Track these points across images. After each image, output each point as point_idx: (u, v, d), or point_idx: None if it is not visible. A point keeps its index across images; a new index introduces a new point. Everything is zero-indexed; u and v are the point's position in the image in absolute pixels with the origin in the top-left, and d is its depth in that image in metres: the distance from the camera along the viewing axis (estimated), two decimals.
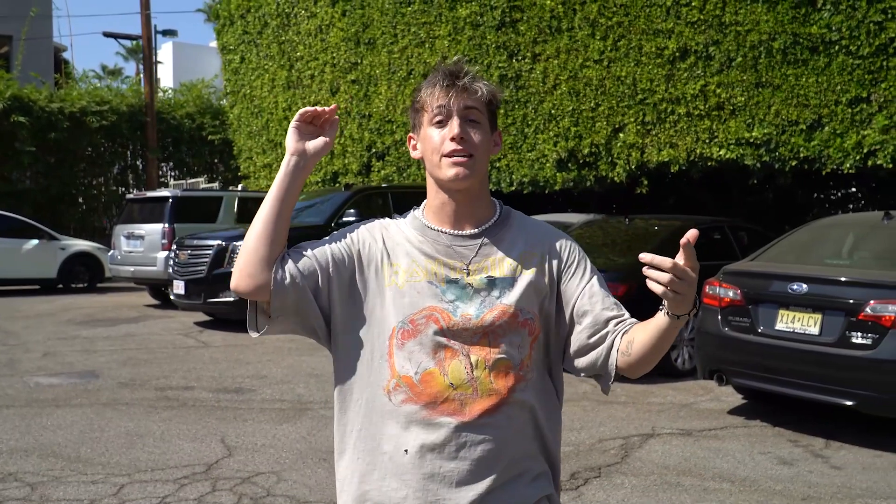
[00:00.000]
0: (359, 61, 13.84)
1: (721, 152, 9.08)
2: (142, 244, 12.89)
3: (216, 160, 23.19)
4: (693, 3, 9.02)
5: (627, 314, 1.67)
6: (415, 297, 1.62)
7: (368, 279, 1.65)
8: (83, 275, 15.26)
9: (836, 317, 5.34)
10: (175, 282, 10.62)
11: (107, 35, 21.77)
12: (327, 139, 1.63)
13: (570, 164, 10.82)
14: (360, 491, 1.64)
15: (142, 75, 23.14)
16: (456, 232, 1.66)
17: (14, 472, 4.56)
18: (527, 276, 1.65)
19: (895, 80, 7.60)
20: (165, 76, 65.67)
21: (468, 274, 1.63)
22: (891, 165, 7.74)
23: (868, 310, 5.17)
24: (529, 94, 11.09)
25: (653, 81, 9.60)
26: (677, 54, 9.30)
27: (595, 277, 1.70)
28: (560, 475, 1.74)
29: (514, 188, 11.67)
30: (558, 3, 10.45)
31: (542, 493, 1.66)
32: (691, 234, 1.43)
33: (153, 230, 12.73)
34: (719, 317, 6.01)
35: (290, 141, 1.62)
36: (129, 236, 13.16)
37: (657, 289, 1.44)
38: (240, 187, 16.74)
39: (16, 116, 18.72)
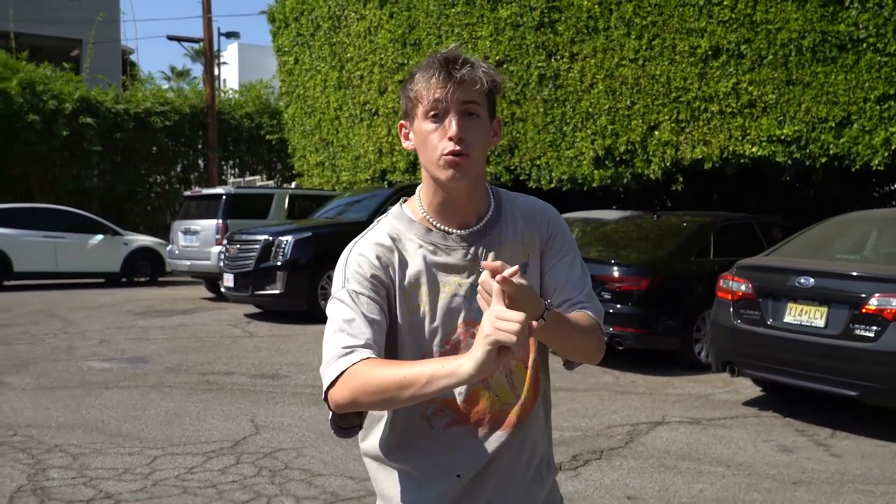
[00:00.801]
0: (405, 62, 14.21)
1: (753, 149, 9.15)
2: (197, 239, 13.49)
3: (274, 158, 23.89)
4: (725, 3, 9.11)
5: (583, 298, 1.61)
6: (445, 316, 1.57)
7: (397, 308, 1.57)
8: (145, 269, 15.98)
9: (841, 310, 5.46)
10: (225, 275, 11.15)
11: (170, 38, 22.65)
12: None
13: (607, 162, 10.98)
14: None
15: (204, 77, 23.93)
16: (462, 231, 1.60)
17: (60, 444, 5.03)
18: (534, 258, 1.63)
19: None
20: (231, 76, 67.47)
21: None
22: None
23: (871, 303, 5.28)
24: (567, 93, 11.28)
25: (686, 80, 9.71)
26: (710, 53, 9.39)
27: (572, 253, 1.67)
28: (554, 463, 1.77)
29: (553, 185, 11.87)
30: (595, 3, 10.63)
31: (553, 476, 1.71)
32: (508, 271, 1.32)
33: (208, 226, 13.32)
34: (731, 310, 6.16)
35: (488, 358, 1.29)
36: (186, 231, 13.79)
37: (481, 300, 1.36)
38: (293, 185, 17.28)
39: (84, 117, 19.63)
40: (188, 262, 13.66)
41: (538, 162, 11.94)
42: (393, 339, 1.57)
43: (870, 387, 5.30)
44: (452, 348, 1.56)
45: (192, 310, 12.05)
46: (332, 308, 1.55)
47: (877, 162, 8.06)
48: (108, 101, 20.58)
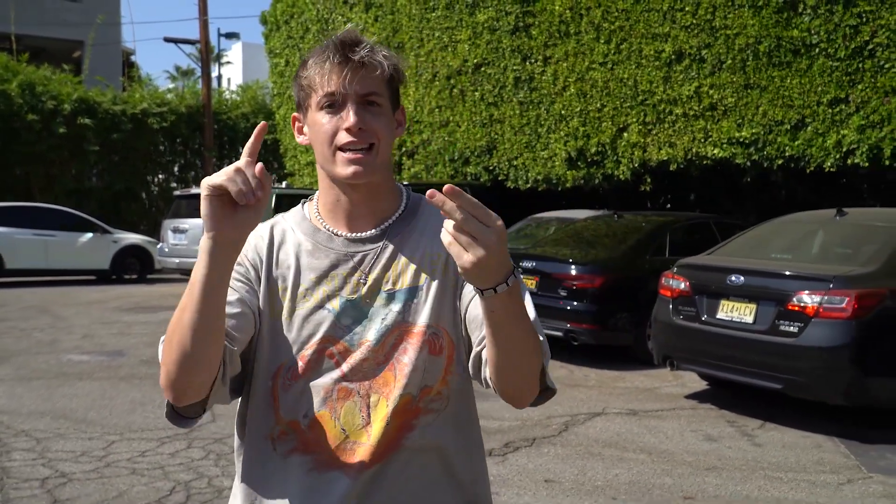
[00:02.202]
0: None
1: (715, 151, 9.43)
2: (186, 237, 13.86)
3: (270, 158, 24.24)
4: (686, 8, 9.39)
5: None
6: (304, 328, 1.37)
7: (262, 307, 1.40)
8: (134, 266, 16.31)
9: (768, 307, 5.75)
10: None
11: (167, 40, 23.00)
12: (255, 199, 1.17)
13: (579, 163, 11.28)
14: None
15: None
16: (353, 235, 1.40)
17: (27, 430, 5.37)
18: (433, 282, 1.39)
19: (871, 82, 7.87)
20: (235, 75, 67.92)
21: (366, 288, 1.38)
22: (867, 164, 8.01)
23: (795, 300, 5.57)
24: (542, 95, 11.58)
25: (652, 83, 10.00)
26: (673, 57, 9.68)
27: None
28: None
29: (529, 185, 12.17)
30: (566, 8, 10.92)
31: None
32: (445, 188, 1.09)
33: (196, 224, 13.66)
34: (671, 306, 6.46)
35: (208, 209, 1.18)
36: (175, 230, 14.15)
37: (445, 239, 1.12)
38: (283, 184, 17.61)
39: (82, 118, 20.01)
40: (177, 260, 14.02)
41: (515, 162, 12.24)
42: (256, 346, 1.40)
43: (793, 380, 5.58)
44: (305, 364, 1.36)
45: None
46: None
47: (829, 164, 8.34)
48: (106, 102, 20.95)
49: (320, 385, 1.36)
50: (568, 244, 8.60)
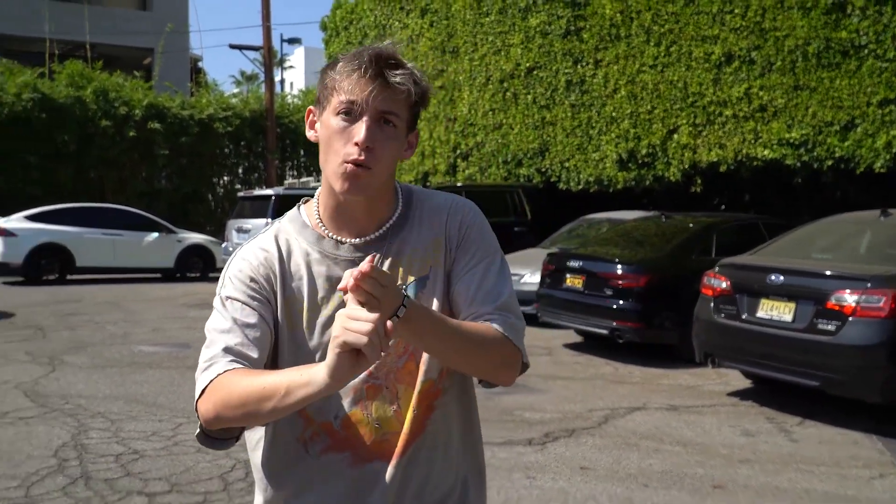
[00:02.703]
0: (444, 68, 14.85)
1: (765, 152, 9.49)
2: (249, 237, 14.37)
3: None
4: (736, 10, 9.48)
5: (491, 310, 1.42)
6: (325, 333, 1.41)
7: (280, 321, 1.45)
8: (197, 265, 16.81)
9: (807, 306, 5.86)
10: None
11: (232, 47, 23.77)
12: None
13: (630, 164, 11.42)
14: None
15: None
16: (358, 240, 1.45)
17: (102, 412, 5.83)
18: (437, 269, 1.47)
19: None
20: (297, 79, 69.30)
21: None
22: None
23: (833, 299, 5.68)
24: (593, 97, 11.75)
25: (702, 85, 10.09)
26: (723, 59, 9.77)
27: (486, 260, 1.47)
28: (484, 475, 1.62)
29: (581, 187, 12.35)
30: (617, 11, 11.08)
31: None
32: (363, 265, 1.16)
33: (258, 224, 14.21)
34: (712, 305, 6.60)
35: (340, 367, 1.19)
36: (239, 230, 14.73)
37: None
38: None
39: (152, 123, 20.86)
40: None
41: (567, 164, 12.43)
42: (275, 354, 1.45)
43: (830, 378, 5.69)
44: None
45: None
46: (210, 319, 1.45)
47: (879, 164, 8.35)
48: (175, 107, 21.77)
49: (349, 386, 1.40)
50: (615, 244, 8.78)
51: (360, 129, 1.33)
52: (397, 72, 1.34)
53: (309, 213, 1.49)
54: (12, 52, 26.64)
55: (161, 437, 5.25)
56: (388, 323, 1.18)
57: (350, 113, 1.35)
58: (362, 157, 1.33)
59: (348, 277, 1.16)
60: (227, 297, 1.43)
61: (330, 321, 1.40)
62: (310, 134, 1.46)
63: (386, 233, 1.46)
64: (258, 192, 15.51)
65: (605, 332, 8.05)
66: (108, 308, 11.94)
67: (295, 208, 1.52)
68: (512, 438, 5.40)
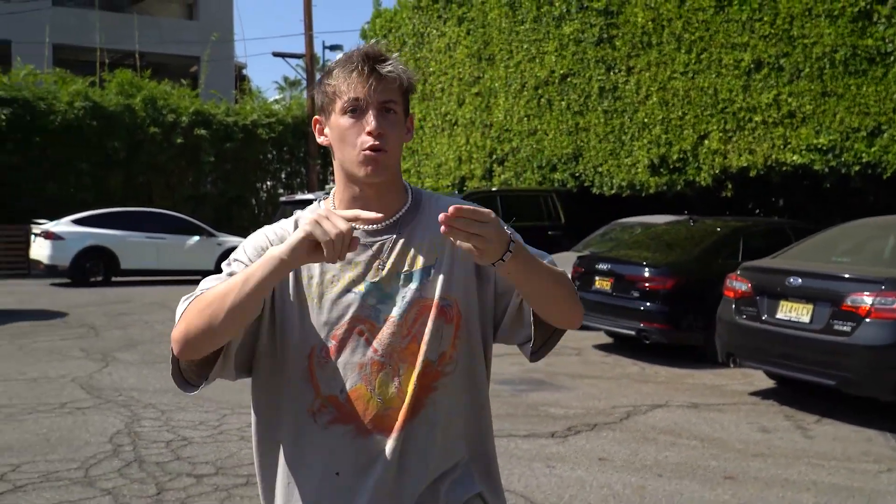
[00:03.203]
0: (481, 75, 15.17)
1: (794, 158, 9.64)
2: None
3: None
4: (765, 18, 9.64)
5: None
6: (334, 310, 1.54)
7: (285, 295, 1.56)
8: None
9: (824, 307, 6.06)
10: None
11: (276, 55, 24.39)
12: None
13: (661, 170, 11.61)
14: None
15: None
16: (370, 227, 1.57)
17: (153, 403, 6.25)
18: (448, 262, 1.58)
19: None
20: None
21: (385, 271, 1.56)
22: None
23: (849, 301, 5.87)
24: (625, 104, 11.97)
25: (732, 91, 10.27)
26: (752, 66, 9.93)
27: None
28: (496, 464, 1.71)
29: (614, 191, 12.57)
30: (648, 19, 11.29)
31: (469, 493, 1.61)
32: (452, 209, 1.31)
33: None
34: (733, 306, 6.81)
35: (298, 247, 1.34)
36: None
37: (463, 245, 1.34)
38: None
39: (198, 129, 21.49)
40: None
41: (600, 169, 12.66)
42: (283, 330, 1.56)
43: (845, 377, 5.88)
44: (338, 343, 1.54)
45: None
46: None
47: None
48: (220, 114, 22.39)
49: (355, 362, 1.53)
50: (644, 247, 9.01)
51: (369, 120, 1.49)
52: (388, 65, 1.51)
53: (326, 206, 1.62)
54: (65, 61, 27.64)
55: (207, 426, 5.64)
56: (355, 239, 1.33)
57: (356, 110, 1.50)
58: (377, 143, 1.49)
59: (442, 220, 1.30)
60: (233, 259, 1.56)
61: (339, 298, 1.54)
62: (320, 139, 1.60)
63: (397, 221, 1.59)
64: (300, 196, 15.98)
65: (632, 332, 8.28)
66: (155, 308, 12.46)
67: (314, 202, 1.67)
68: (535, 431, 5.68)
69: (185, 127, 21.30)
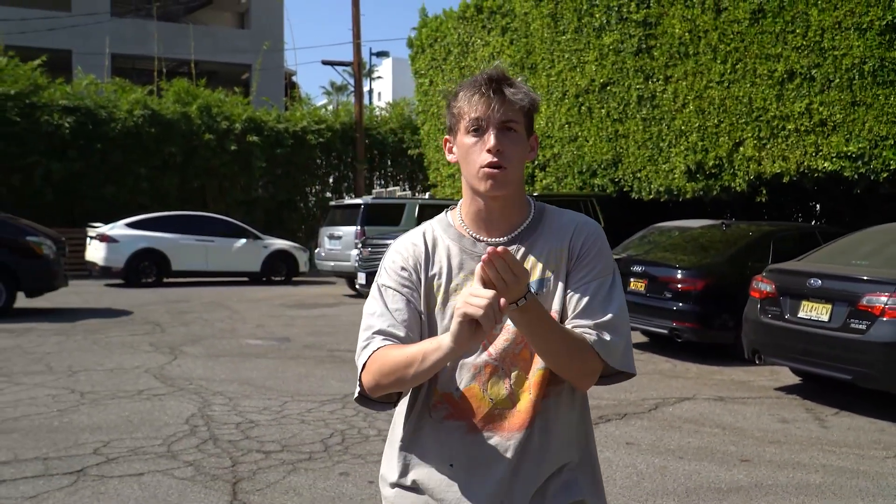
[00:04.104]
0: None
1: (825, 164, 9.97)
2: (340, 243, 15.53)
3: (416, 170, 25.95)
4: (797, 31, 9.99)
5: (591, 326, 1.64)
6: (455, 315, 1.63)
7: (423, 302, 1.72)
8: (282, 269, 17.84)
9: (842, 307, 6.45)
10: (359, 274, 13.04)
11: (325, 63, 25.20)
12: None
13: (698, 175, 11.99)
14: (404, 496, 1.74)
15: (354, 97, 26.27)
16: (492, 239, 1.69)
17: (221, 391, 6.90)
18: (555, 274, 1.68)
19: None
20: (385, 89, 71.13)
21: None
22: None
23: (864, 301, 6.26)
24: (663, 112, 12.37)
25: (766, 100, 10.62)
26: (785, 76, 10.28)
27: (600, 279, 1.67)
28: (599, 469, 1.80)
29: (652, 196, 12.97)
30: (685, 31, 11.68)
31: (573, 498, 1.70)
32: (490, 251, 1.44)
33: (349, 231, 15.32)
34: (759, 306, 7.23)
35: (461, 333, 1.48)
36: (331, 237, 15.87)
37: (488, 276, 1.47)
38: (427, 195, 19.07)
39: (250, 136, 22.34)
40: (332, 263, 15.73)
41: (639, 175, 13.07)
42: (423, 329, 1.71)
43: (861, 371, 6.27)
44: None
45: (334, 304, 14.04)
46: (366, 303, 1.76)
47: None
48: (271, 121, 23.22)
49: (470, 363, 1.67)
50: (678, 251, 9.43)
51: (489, 138, 1.61)
52: (510, 87, 1.63)
53: (453, 217, 1.77)
54: (122, 69, 28.82)
55: (271, 411, 6.26)
56: (502, 301, 1.42)
57: (478, 129, 1.62)
58: (496, 160, 1.61)
59: (484, 252, 1.44)
60: (383, 286, 1.72)
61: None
62: (450, 157, 1.73)
63: (518, 235, 1.69)
64: (348, 200, 16.63)
65: (664, 331, 8.72)
66: (214, 307, 13.21)
67: (442, 213, 1.80)
68: None
69: (238, 133, 22.15)
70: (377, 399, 1.71)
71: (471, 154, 1.63)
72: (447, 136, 1.73)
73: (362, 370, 1.66)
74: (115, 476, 4.67)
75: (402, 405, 1.78)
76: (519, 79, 1.66)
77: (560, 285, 1.67)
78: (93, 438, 5.44)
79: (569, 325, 1.63)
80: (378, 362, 1.62)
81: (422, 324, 1.71)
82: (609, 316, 1.63)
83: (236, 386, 7.14)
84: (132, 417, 6.02)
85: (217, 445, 5.35)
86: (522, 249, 1.69)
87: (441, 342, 1.51)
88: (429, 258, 1.72)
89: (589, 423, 1.81)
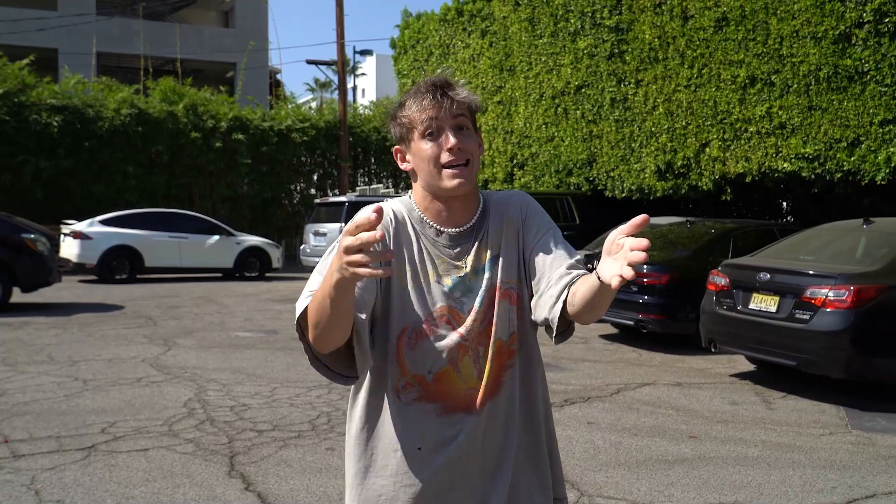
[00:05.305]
0: (502, 85, 16.20)
1: (785, 165, 10.56)
2: (324, 240, 16.02)
3: (399, 168, 26.36)
4: (758, 38, 10.58)
5: (577, 266, 1.70)
6: (427, 299, 1.69)
7: (394, 276, 1.70)
8: (255, 265, 17.98)
9: (788, 299, 7.03)
10: None
11: (309, 62, 25.60)
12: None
13: (667, 175, 12.57)
14: (371, 485, 1.71)
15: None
16: (454, 231, 1.74)
17: (215, 378, 7.39)
18: (505, 249, 1.73)
19: None
20: (369, 86, 71.43)
21: (469, 268, 1.71)
22: None
23: (808, 293, 6.84)
24: (634, 114, 12.95)
25: (729, 104, 11.21)
26: (747, 81, 10.87)
27: (550, 231, 1.76)
28: (546, 457, 1.81)
29: (625, 195, 13.54)
30: (655, 37, 12.25)
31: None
32: (640, 218, 1.41)
33: (333, 228, 15.81)
34: (714, 298, 7.80)
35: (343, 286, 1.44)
36: (316, 233, 16.35)
37: (627, 273, 1.38)
38: (409, 193, 19.55)
39: (236, 134, 22.73)
40: (317, 259, 16.20)
41: (612, 174, 13.65)
42: (384, 309, 1.70)
43: (804, 358, 6.85)
44: (428, 329, 1.69)
45: None
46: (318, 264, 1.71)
47: (880, 177, 9.36)
48: (256, 120, 23.61)
49: (444, 346, 1.69)
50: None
51: (449, 138, 1.66)
52: (455, 89, 1.69)
53: (415, 206, 1.78)
54: (108, 68, 29.12)
55: (262, 396, 6.76)
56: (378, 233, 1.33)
57: (433, 133, 1.67)
58: (457, 158, 1.66)
59: (630, 274, 1.37)
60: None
61: (431, 289, 1.71)
62: (403, 166, 1.77)
63: (475, 224, 1.76)
64: (333, 199, 17.10)
65: (630, 322, 9.28)
66: (203, 302, 13.66)
67: (406, 197, 1.82)
68: None
69: (223, 132, 22.52)
70: (335, 370, 1.70)
71: (431, 157, 1.67)
72: (397, 147, 1.77)
73: (302, 316, 1.66)
74: (123, 451, 5.16)
75: (364, 390, 1.77)
76: (461, 82, 1.74)
77: (514, 256, 1.75)
78: (99, 420, 5.92)
79: (555, 274, 1.69)
80: (309, 315, 1.61)
81: (389, 297, 1.71)
82: (577, 255, 1.77)
83: (229, 374, 7.63)
84: (134, 402, 6.50)
85: (214, 425, 5.84)
86: (480, 236, 1.76)
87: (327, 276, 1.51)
88: (398, 234, 1.74)
89: (545, 388, 1.85)
